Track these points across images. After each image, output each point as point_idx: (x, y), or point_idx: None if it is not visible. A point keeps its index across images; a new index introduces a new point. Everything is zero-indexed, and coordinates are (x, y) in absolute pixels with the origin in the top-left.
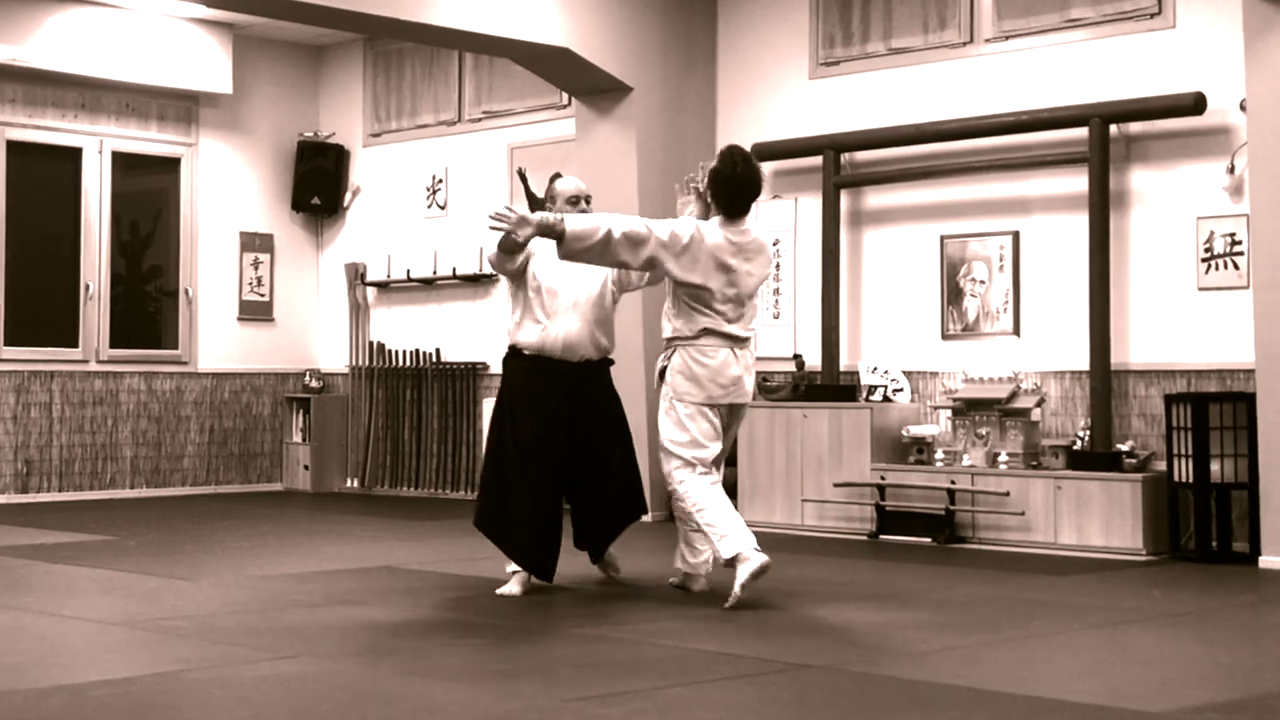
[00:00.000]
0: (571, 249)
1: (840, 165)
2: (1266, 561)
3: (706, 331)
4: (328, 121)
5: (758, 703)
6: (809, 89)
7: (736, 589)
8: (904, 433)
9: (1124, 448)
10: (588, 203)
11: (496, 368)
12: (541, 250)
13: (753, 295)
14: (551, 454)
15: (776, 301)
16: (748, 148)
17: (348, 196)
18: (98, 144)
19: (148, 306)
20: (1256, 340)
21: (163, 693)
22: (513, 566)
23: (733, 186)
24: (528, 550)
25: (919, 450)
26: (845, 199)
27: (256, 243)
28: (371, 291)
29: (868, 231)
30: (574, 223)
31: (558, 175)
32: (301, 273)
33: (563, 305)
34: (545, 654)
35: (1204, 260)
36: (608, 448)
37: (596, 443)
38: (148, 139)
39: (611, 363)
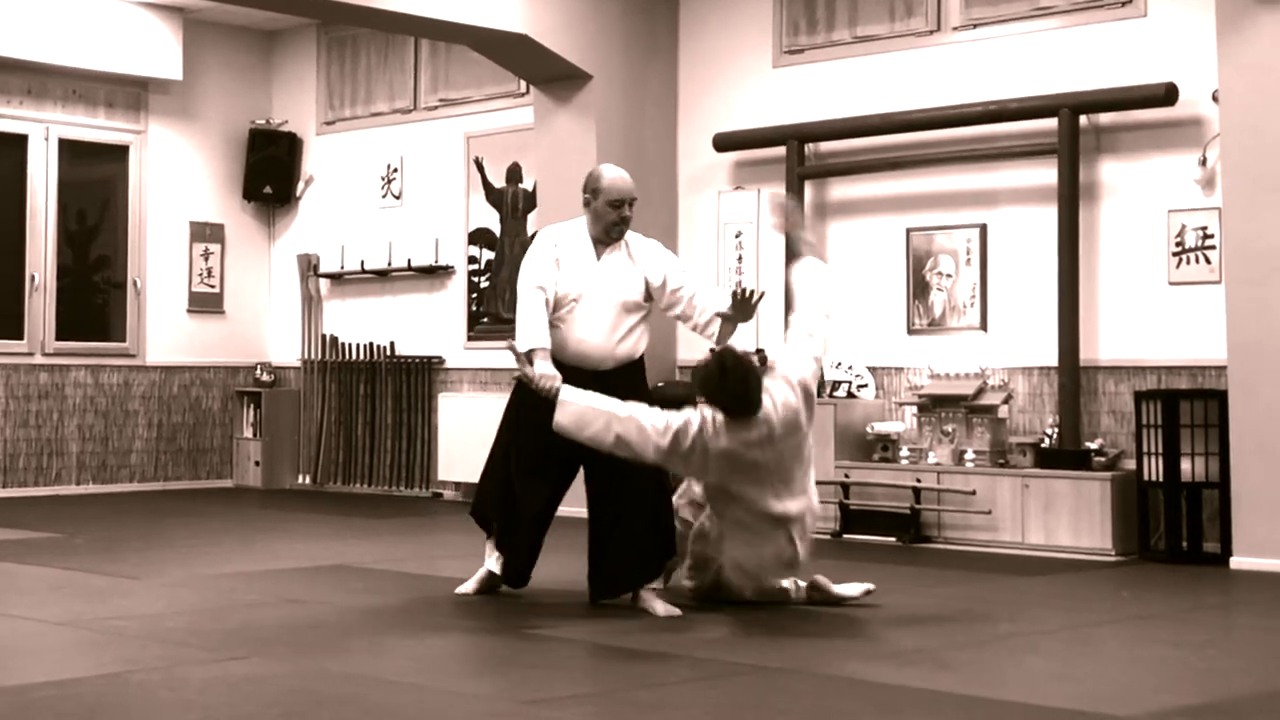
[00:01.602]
0: (564, 429)
1: (804, 156)
2: (1238, 562)
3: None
4: (280, 109)
5: (719, 705)
6: (773, 78)
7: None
8: (868, 430)
9: (1093, 446)
10: (630, 208)
11: (452, 361)
12: (567, 258)
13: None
14: (551, 457)
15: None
16: (709, 137)
17: (300, 186)
18: (44, 131)
19: (95, 298)
20: (1229, 336)
21: (109, 694)
22: (490, 562)
23: (723, 401)
24: (511, 551)
25: (884, 448)
26: (809, 190)
27: (207, 233)
28: (324, 283)
29: (832, 224)
30: (568, 414)
31: (516, 167)
32: (253, 264)
33: (584, 310)
34: (502, 655)
35: (1175, 254)
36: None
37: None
38: (95, 126)
39: (639, 365)
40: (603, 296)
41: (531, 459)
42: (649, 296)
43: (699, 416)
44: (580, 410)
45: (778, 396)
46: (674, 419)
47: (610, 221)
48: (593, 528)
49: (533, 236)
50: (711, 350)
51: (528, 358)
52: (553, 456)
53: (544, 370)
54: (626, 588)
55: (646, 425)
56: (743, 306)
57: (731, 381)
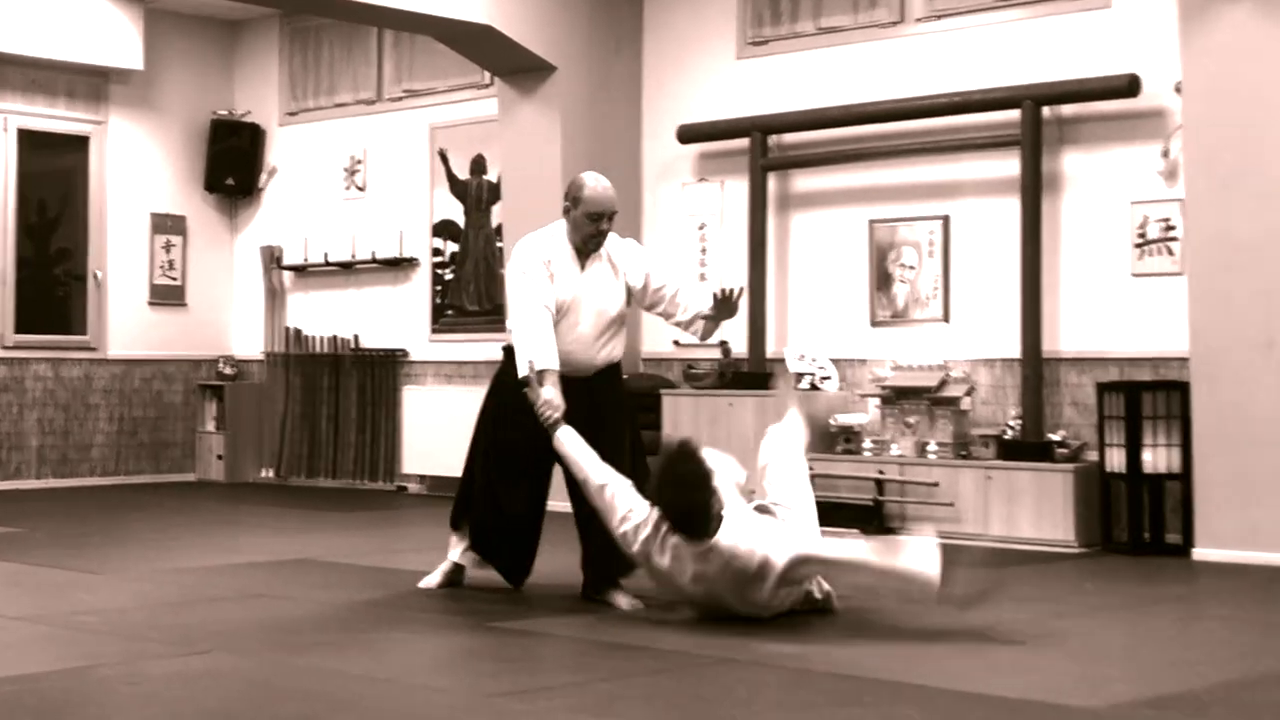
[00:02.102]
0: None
1: (768, 147)
2: (1200, 554)
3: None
4: (243, 100)
5: (684, 696)
6: (736, 69)
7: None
8: (831, 421)
9: (1055, 437)
10: (609, 221)
11: (417, 354)
12: (555, 271)
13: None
14: (533, 455)
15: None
16: (673, 129)
17: (263, 177)
18: (3, 121)
19: (55, 290)
20: (1191, 328)
21: (70, 690)
22: (454, 554)
23: (673, 516)
24: (497, 552)
25: (847, 439)
26: (773, 182)
27: (168, 224)
28: (288, 275)
29: (795, 215)
30: (563, 445)
31: (480, 159)
32: (215, 256)
33: (569, 321)
34: (466, 648)
35: (1138, 246)
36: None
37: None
38: (55, 116)
39: (618, 370)
40: (588, 308)
41: (510, 459)
42: (630, 301)
43: (649, 525)
44: (566, 462)
45: (743, 544)
46: (634, 515)
47: (588, 234)
48: (579, 524)
49: (499, 229)
50: (679, 444)
51: (538, 378)
52: (531, 456)
53: (550, 396)
54: (612, 583)
55: (614, 506)
56: (725, 305)
57: (672, 487)
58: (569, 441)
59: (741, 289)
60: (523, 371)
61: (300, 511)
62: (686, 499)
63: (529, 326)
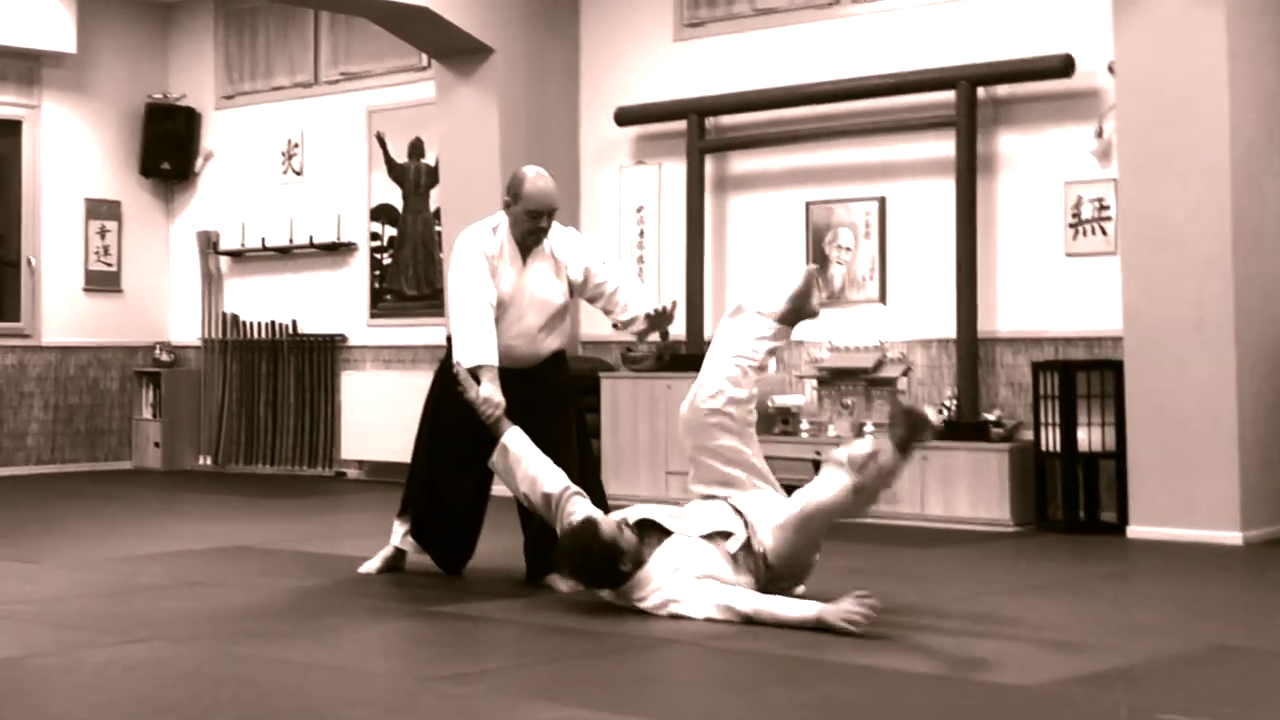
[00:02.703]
0: (494, 468)
1: (705, 130)
2: (1134, 531)
3: None
4: (178, 83)
5: (620, 678)
6: (673, 51)
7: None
8: (769, 403)
9: (991, 417)
10: (549, 219)
11: (355, 339)
12: (497, 265)
13: None
14: (475, 445)
15: (640, 270)
16: (610, 112)
17: (199, 161)
18: None
19: None
20: (1124, 307)
21: (5, 680)
22: (396, 539)
23: (585, 583)
24: (435, 541)
25: (784, 421)
26: (710, 164)
27: (103, 210)
28: (225, 261)
29: (733, 197)
30: (504, 460)
31: (418, 142)
32: (151, 241)
33: (511, 315)
34: (406, 634)
35: (1072, 226)
36: (557, 451)
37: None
38: None
39: (562, 356)
40: (530, 302)
41: (453, 450)
42: (572, 293)
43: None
44: (513, 464)
45: (653, 582)
46: (573, 519)
47: (526, 230)
48: (520, 510)
49: (437, 213)
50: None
51: (474, 375)
52: (472, 446)
53: (490, 393)
54: (553, 568)
55: (563, 514)
56: (660, 318)
57: (576, 570)
58: (516, 444)
59: (674, 303)
60: (462, 362)
61: (238, 498)
62: (592, 577)
63: (468, 322)
